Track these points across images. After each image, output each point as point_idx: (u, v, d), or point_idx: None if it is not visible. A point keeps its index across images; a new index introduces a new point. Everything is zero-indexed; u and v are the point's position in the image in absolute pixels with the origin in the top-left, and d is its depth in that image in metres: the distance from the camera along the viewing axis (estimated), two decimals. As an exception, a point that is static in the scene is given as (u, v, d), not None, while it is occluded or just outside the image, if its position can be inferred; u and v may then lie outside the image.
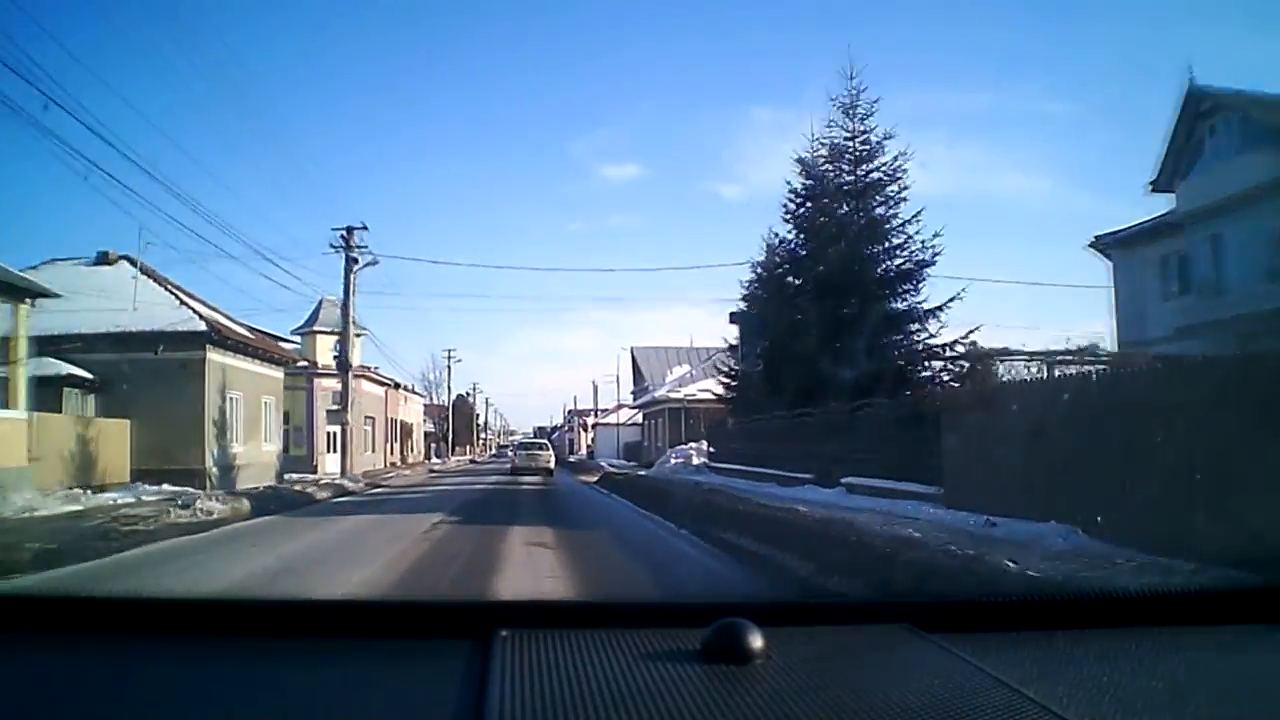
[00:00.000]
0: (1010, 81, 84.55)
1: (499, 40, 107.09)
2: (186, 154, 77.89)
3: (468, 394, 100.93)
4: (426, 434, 71.80)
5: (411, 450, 55.94)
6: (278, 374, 28.89)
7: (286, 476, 30.18)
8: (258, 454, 26.48)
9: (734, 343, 29.05)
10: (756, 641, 1.26)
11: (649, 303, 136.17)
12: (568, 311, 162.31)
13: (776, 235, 24.23)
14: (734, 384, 29.29)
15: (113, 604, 1.56)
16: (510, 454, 45.07)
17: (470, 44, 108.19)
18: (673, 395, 41.21)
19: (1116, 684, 1.25)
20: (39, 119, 16.78)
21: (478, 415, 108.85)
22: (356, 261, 30.28)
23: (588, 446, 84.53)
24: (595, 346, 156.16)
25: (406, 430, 53.63)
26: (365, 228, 30.43)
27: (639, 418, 54.80)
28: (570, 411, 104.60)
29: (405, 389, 51.81)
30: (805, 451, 19.47)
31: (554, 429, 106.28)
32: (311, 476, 29.41)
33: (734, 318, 26.78)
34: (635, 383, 73.04)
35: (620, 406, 65.69)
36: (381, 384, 45.47)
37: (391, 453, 48.61)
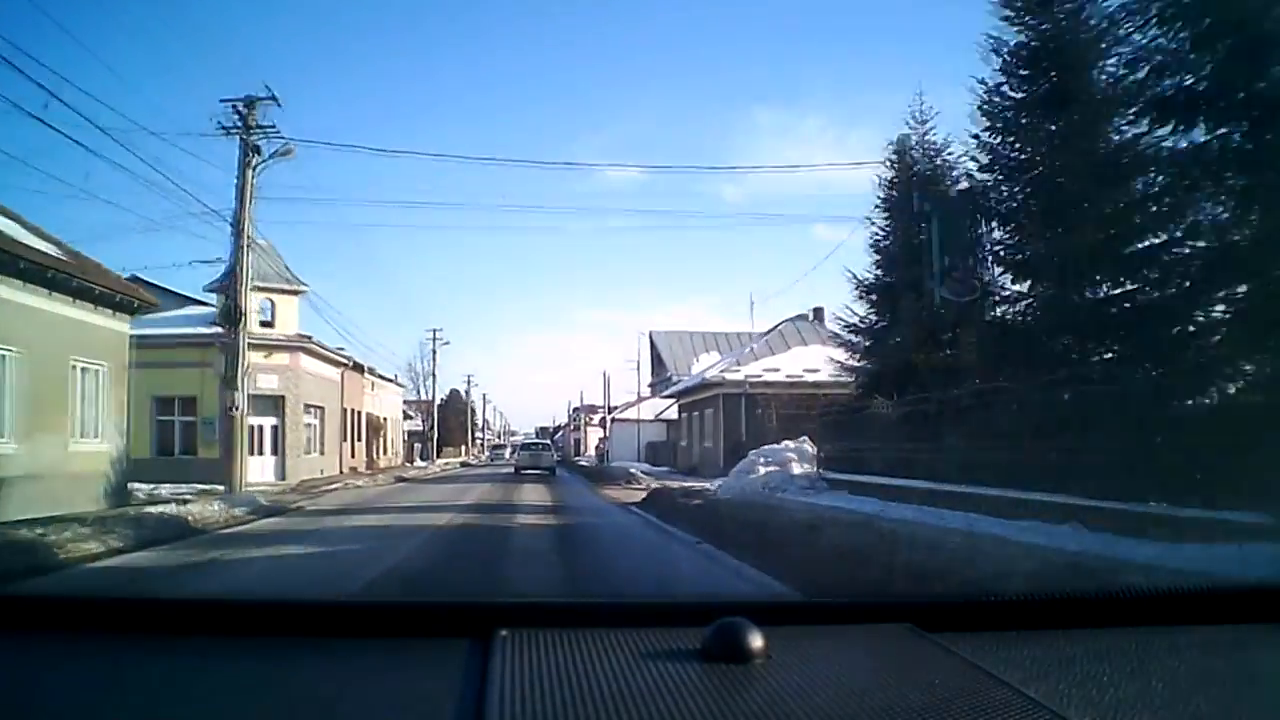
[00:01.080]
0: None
1: (500, 43, 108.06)
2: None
3: (467, 393, 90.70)
4: (412, 433, 60.57)
5: (383, 451, 44.56)
6: (118, 326, 17.49)
7: (150, 492, 18.96)
8: (59, 458, 15.07)
9: (871, 278, 17.70)
10: (756, 641, 1.24)
11: (659, 294, 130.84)
12: (569, 307, 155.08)
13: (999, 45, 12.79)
14: (868, 346, 17.93)
15: (112, 604, 1.56)
16: (507, 454, 44.64)
17: (471, 46, 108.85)
18: (730, 376, 29.82)
19: (1116, 684, 1.23)
20: None
21: (474, 412, 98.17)
22: (258, 151, 18.97)
23: (597, 447, 74.50)
24: (598, 344, 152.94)
25: (375, 426, 42.23)
26: (275, 99, 19.11)
27: (671, 411, 43.41)
28: (575, 409, 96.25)
29: (373, 374, 40.42)
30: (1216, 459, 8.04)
31: (557, 429, 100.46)
32: (188, 492, 18.20)
33: (924, 212, 15.01)
34: (654, 373, 62.72)
35: (641, 400, 54.28)
36: (335, 363, 34.10)
37: (353, 454, 37.25)
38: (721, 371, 30.17)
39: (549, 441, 48.75)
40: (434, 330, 54.05)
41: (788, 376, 29.75)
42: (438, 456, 57.05)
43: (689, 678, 1.17)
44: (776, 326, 33.20)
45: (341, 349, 36.06)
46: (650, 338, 62.98)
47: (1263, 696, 1.28)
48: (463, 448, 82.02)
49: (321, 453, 32.40)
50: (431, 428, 54.94)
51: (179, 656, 1.34)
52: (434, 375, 54.44)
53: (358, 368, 37.08)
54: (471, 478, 32.67)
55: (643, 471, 30.66)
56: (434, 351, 53.63)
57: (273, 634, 1.43)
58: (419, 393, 64.64)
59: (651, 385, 59.77)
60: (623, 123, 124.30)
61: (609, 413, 69.83)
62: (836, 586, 6.42)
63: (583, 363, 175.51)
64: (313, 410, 31.71)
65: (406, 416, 60.61)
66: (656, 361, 62.61)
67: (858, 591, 5.40)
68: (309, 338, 29.49)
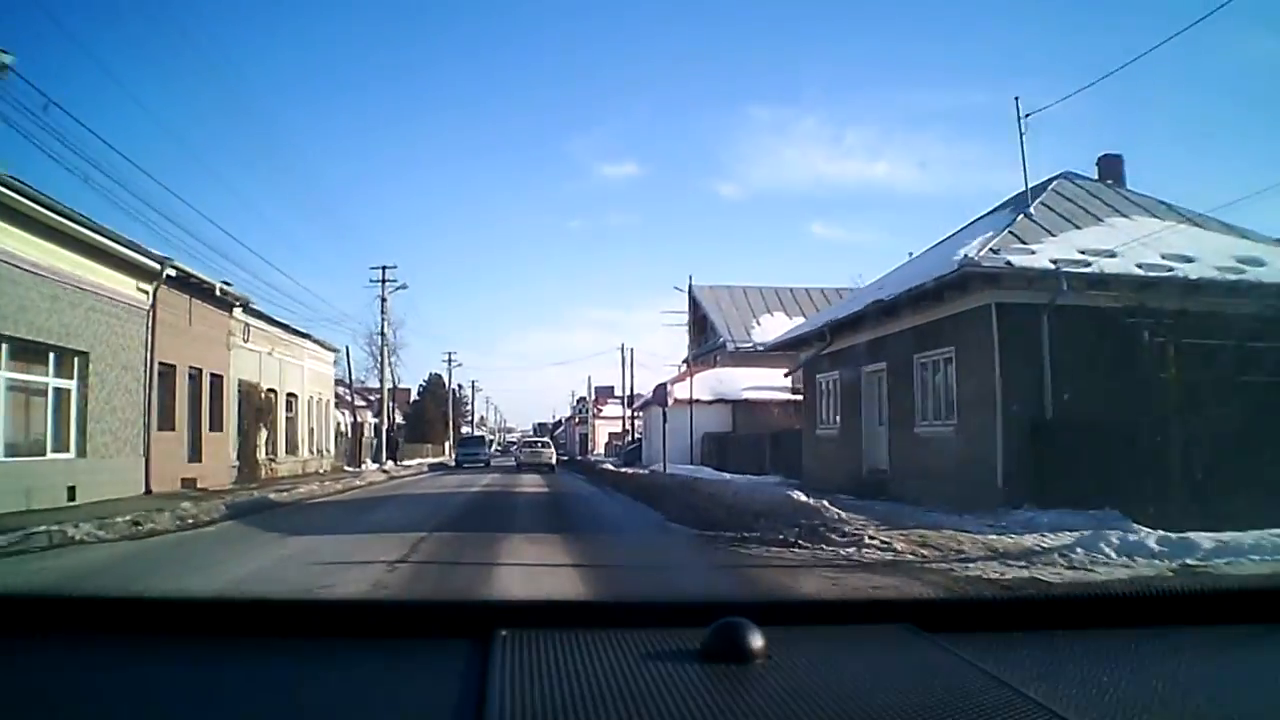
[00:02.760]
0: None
1: (498, 39, 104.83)
2: None
3: (457, 385, 74.71)
4: (390, 428, 43.45)
5: (291, 449, 27.06)
6: None
7: None
8: None
9: None
10: (756, 641, 1.22)
11: (659, 291, 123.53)
12: (567, 305, 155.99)
13: None
14: None
15: (111, 604, 1.49)
16: (485, 455, 43.59)
17: (468, 42, 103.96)
18: (1019, 262, 12.29)
19: (1117, 684, 1.22)
20: None
21: (460, 402, 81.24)
22: None
23: (608, 443, 58.38)
24: (598, 341, 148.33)
25: (263, 407, 24.59)
26: None
27: (760, 391, 26.00)
28: (580, 399, 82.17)
29: (249, 309, 22.80)
30: None
31: (557, 423, 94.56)
32: None
33: None
34: (697, 342, 46.45)
35: (690, 373, 36.78)
36: (126, 265, 16.56)
37: (199, 455, 19.70)
38: (995, 248, 12.59)
39: (548, 439, 49.28)
40: (383, 267, 35.58)
41: (1147, 270, 12.38)
42: (395, 458, 39.50)
43: (689, 678, 1.16)
44: (1049, 183, 15.68)
45: (230, 284, 18.75)
46: (691, 294, 46.24)
47: (1263, 697, 1.23)
48: (445, 445, 65.35)
49: (81, 453, 14.91)
50: (380, 413, 37.07)
51: (174, 656, 1.28)
52: (383, 333, 35.98)
53: (202, 289, 19.43)
54: (410, 506, 15.42)
55: (851, 504, 13.17)
56: (383, 299, 35.33)
57: (270, 634, 1.35)
58: (390, 375, 47.40)
59: (690, 359, 43.21)
60: (618, 121, 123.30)
61: (628, 401, 53.11)
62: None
63: (582, 359, 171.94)
64: (53, 357, 14.26)
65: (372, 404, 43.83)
66: (698, 326, 46.17)
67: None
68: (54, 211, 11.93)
